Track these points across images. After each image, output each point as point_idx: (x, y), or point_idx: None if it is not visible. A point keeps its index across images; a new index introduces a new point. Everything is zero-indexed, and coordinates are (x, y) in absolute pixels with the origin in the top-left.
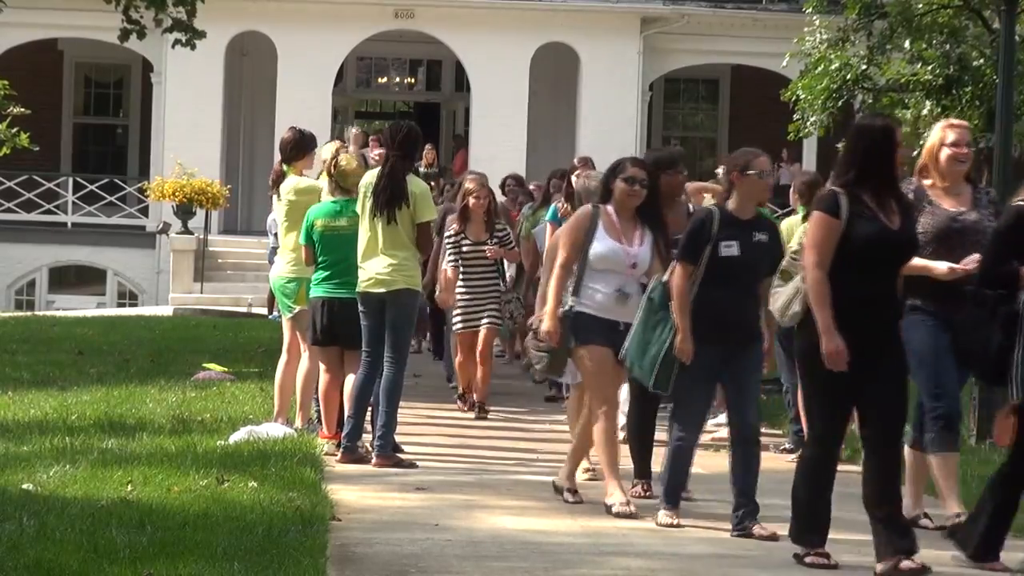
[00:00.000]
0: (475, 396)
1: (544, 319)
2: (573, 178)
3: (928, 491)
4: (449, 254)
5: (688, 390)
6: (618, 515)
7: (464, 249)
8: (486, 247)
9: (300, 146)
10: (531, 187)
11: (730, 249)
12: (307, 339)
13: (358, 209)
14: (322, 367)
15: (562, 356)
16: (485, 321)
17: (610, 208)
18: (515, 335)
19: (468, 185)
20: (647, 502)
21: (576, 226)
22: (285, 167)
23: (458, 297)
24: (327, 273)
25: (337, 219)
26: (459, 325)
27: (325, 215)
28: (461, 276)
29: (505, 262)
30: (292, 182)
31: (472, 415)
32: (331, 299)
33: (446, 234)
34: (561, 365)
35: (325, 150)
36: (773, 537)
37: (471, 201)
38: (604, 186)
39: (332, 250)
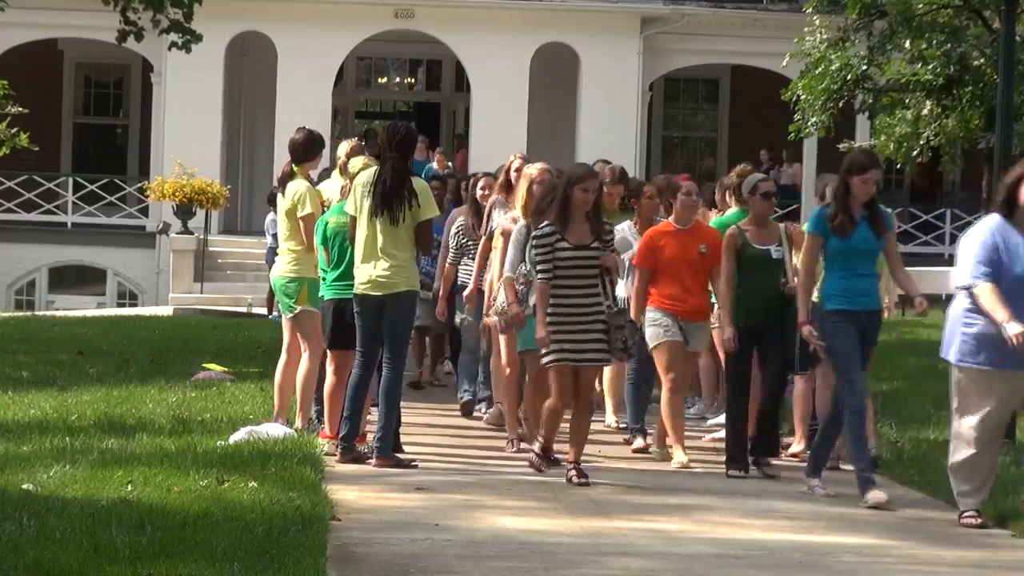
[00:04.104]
0: (571, 455)
1: None
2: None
3: None
4: (540, 261)
5: None
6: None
7: (562, 255)
8: (596, 253)
9: (311, 147)
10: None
11: None
12: (323, 341)
13: (349, 208)
14: (330, 368)
15: None
16: (590, 356)
17: None
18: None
19: (577, 171)
20: None
21: None
22: (295, 167)
23: (549, 320)
24: (338, 272)
25: (346, 216)
26: (552, 357)
27: (337, 212)
28: (554, 293)
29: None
30: (297, 187)
31: (545, 467)
32: (343, 300)
33: (535, 232)
34: None
35: (340, 149)
36: None
37: (576, 193)
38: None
39: (343, 247)
